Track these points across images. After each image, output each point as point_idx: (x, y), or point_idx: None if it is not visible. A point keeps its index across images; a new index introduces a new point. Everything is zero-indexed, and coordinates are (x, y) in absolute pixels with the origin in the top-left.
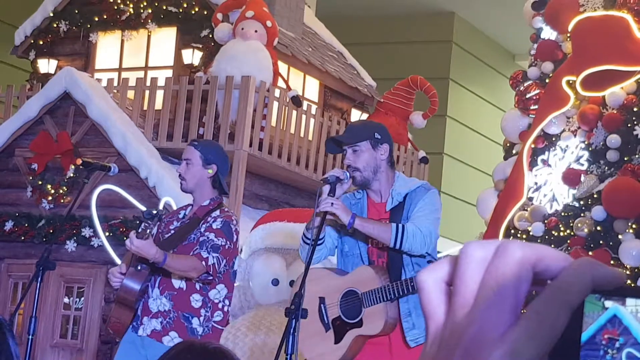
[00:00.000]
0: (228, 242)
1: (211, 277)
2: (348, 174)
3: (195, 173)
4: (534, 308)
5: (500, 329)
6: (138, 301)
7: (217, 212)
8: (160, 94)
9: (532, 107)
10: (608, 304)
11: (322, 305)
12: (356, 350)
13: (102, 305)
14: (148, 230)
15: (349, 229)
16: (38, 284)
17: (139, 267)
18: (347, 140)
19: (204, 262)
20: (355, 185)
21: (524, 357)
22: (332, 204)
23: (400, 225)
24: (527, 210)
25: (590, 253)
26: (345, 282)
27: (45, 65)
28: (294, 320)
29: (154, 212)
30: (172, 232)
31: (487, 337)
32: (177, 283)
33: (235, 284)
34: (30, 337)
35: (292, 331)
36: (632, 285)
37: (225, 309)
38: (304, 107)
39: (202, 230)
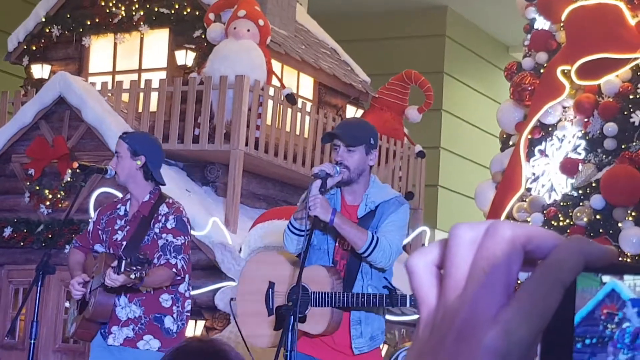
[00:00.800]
0: (186, 237)
1: (180, 278)
2: (338, 168)
3: (124, 165)
4: (526, 288)
5: (493, 310)
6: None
7: (165, 208)
8: (154, 96)
9: (527, 98)
10: (606, 278)
11: (270, 290)
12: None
13: None
14: (124, 262)
15: (330, 225)
16: (38, 289)
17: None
18: (347, 141)
19: (174, 269)
20: (340, 182)
21: (518, 337)
22: (310, 207)
23: (375, 236)
24: (525, 201)
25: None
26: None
27: (39, 70)
28: (292, 317)
29: (141, 256)
30: (120, 233)
31: (479, 318)
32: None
33: (235, 283)
34: (32, 341)
35: (290, 328)
36: (624, 261)
37: (189, 294)
38: (299, 105)
39: (157, 231)
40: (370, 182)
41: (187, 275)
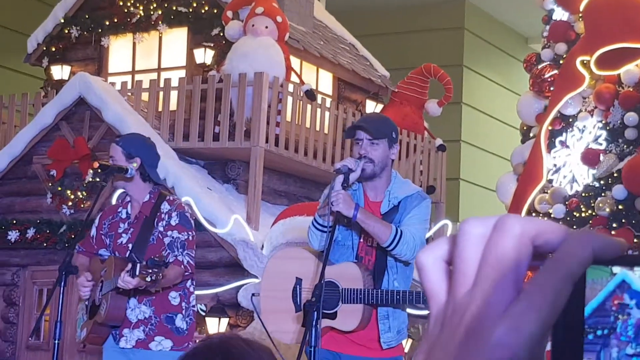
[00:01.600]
0: (190, 233)
1: (189, 274)
2: (360, 163)
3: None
4: (535, 282)
5: (503, 304)
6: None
7: (167, 206)
8: (174, 95)
9: (547, 89)
10: (616, 269)
11: (297, 286)
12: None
13: None
14: (138, 266)
15: (353, 221)
16: (62, 289)
17: (120, 290)
18: (372, 132)
19: (182, 267)
20: (363, 177)
21: (528, 331)
22: (332, 203)
23: (399, 229)
24: (547, 192)
25: (612, 232)
26: (327, 272)
27: (59, 71)
28: (315, 312)
29: (156, 259)
30: (124, 236)
31: (489, 313)
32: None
33: (258, 280)
34: (56, 342)
35: (314, 323)
36: (632, 253)
37: (194, 288)
38: (318, 101)
39: (162, 229)
40: (392, 178)
41: (192, 273)
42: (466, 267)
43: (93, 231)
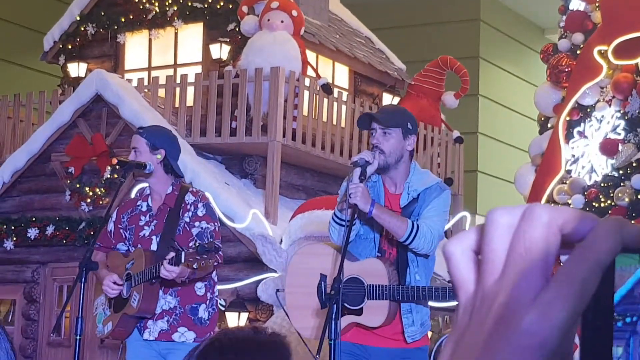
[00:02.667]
0: (217, 224)
1: (218, 264)
2: (377, 154)
3: (144, 160)
4: (564, 270)
5: (531, 293)
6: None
7: (191, 197)
8: (190, 91)
9: (564, 80)
10: None
11: (322, 282)
12: (344, 333)
13: None
14: (183, 254)
15: (369, 216)
16: (82, 285)
17: (153, 281)
18: (383, 121)
19: (216, 256)
20: (381, 171)
21: (557, 319)
22: (350, 195)
23: (415, 224)
24: (566, 183)
25: (632, 222)
26: (351, 268)
27: (75, 69)
28: (335, 305)
29: (206, 245)
30: (146, 228)
31: (518, 302)
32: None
33: (277, 274)
34: (78, 337)
35: (333, 317)
36: None
37: (217, 279)
38: (335, 95)
39: (188, 220)
40: (410, 169)
41: (220, 263)
42: (495, 256)
43: (110, 225)
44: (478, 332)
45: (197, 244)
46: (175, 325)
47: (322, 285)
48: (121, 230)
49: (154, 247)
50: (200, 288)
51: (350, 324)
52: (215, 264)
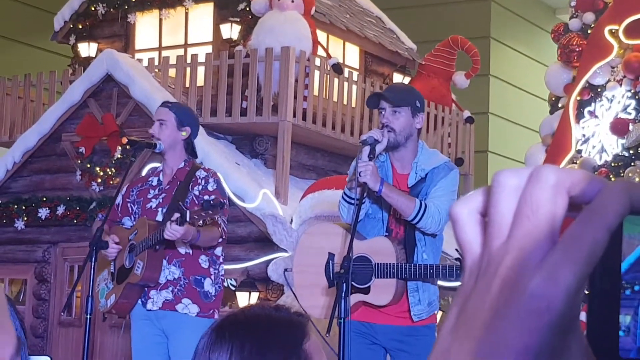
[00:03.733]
0: (226, 201)
1: (222, 240)
2: (386, 132)
3: (170, 134)
4: (570, 232)
5: (538, 256)
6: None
7: (203, 172)
8: (201, 71)
9: (575, 60)
10: None
11: (330, 261)
12: (352, 312)
13: None
14: (188, 212)
15: (378, 194)
16: (92, 264)
17: (157, 247)
18: (392, 100)
19: (219, 229)
20: (387, 147)
21: (563, 283)
22: (360, 174)
23: (423, 203)
24: (576, 162)
25: None
26: (359, 247)
27: (86, 49)
28: (344, 284)
29: (212, 201)
30: (154, 201)
31: (524, 265)
32: (182, 249)
33: (287, 254)
34: (88, 316)
35: (343, 295)
36: None
37: (223, 258)
38: (345, 74)
39: (197, 193)
40: (418, 149)
41: (225, 240)
42: (501, 218)
43: (119, 199)
44: (484, 296)
45: (202, 202)
46: (179, 296)
47: (330, 264)
48: (129, 204)
49: (159, 218)
50: (204, 261)
51: (357, 303)
52: (220, 239)
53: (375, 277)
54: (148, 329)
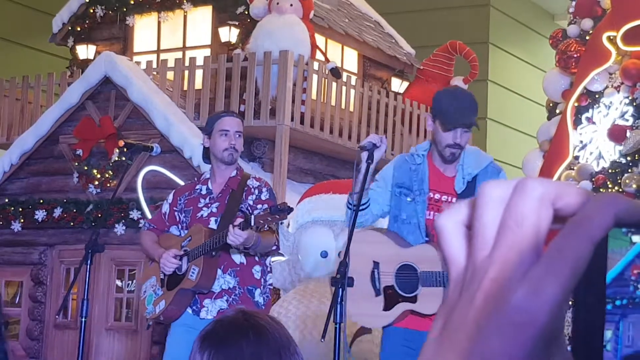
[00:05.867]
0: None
1: (275, 248)
2: (384, 138)
3: (241, 146)
4: (555, 245)
5: (522, 268)
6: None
7: (255, 182)
8: (199, 74)
9: (573, 66)
10: (636, 238)
11: (375, 270)
12: (400, 321)
13: None
14: (252, 217)
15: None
16: (88, 267)
17: (213, 254)
18: (474, 123)
19: (275, 236)
20: (449, 162)
21: (547, 295)
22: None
23: None
24: (573, 169)
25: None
26: (403, 255)
27: (84, 51)
28: (340, 289)
29: (279, 206)
30: (205, 210)
31: (509, 277)
32: (237, 259)
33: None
34: (83, 319)
35: (339, 300)
36: None
37: (271, 268)
38: (344, 79)
39: (251, 202)
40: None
41: (278, 248)
42: (486, 230)
43: (165, 208)
44: (468, 308)
45: (270, 207)
46: (234, 305)
47: (376, 272)
48: (176, 213)
49: (212, 227)
50: (257, 271)
51: (405, 312)
52: (274, 247)
53: (421, 286)
54: (189, 337)
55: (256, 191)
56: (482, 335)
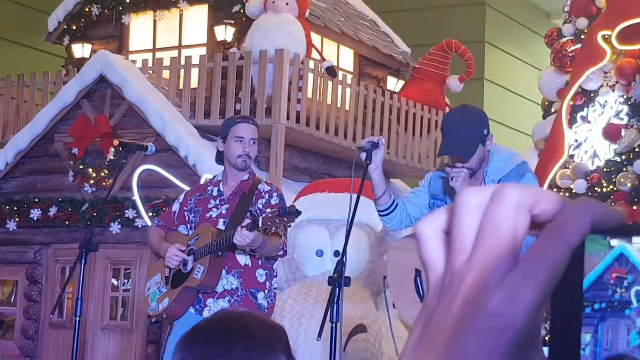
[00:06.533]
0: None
1: (282, 252)
2: (383, 139)
3: (255, 152)
4: (532, 251)
5: (499, 274)
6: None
7: (266, 187)
8: (195, 72)
9: (568, 64)
10: (614, 242)
11: (417, 277)
12: None
13: None
14: (260, 219)
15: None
16: (82, 266)
17: (219, 254)
18: (467, 156)
19: (281, 240)
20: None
21: (525, 301)
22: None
23: None
24: (568, 167)
25: (634, 207)
26: None
27: (80, 49)
28: (337, 288)
29: (288, 209)
30: (214, 210)
31: (486, 283)
32: (242, 260)
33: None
34: (77, 318)
35: (336, 299)
36: (632, 223)
37: (277, 272)
38: (339, 77)
39: (260, 206)
40: (490, 155)
41: (285, 253)
42: (463, 237)
43: (175, 207)
44: (446, 314)
45: (279, 208)
46: (236, 306)
47: (418, 280)
48: (186, 213)
49: (220, 228)
50: (261, 275)
51: None
52: (280, 252)
53: None
54: None
55: (266, 195)
56: (459, 339)
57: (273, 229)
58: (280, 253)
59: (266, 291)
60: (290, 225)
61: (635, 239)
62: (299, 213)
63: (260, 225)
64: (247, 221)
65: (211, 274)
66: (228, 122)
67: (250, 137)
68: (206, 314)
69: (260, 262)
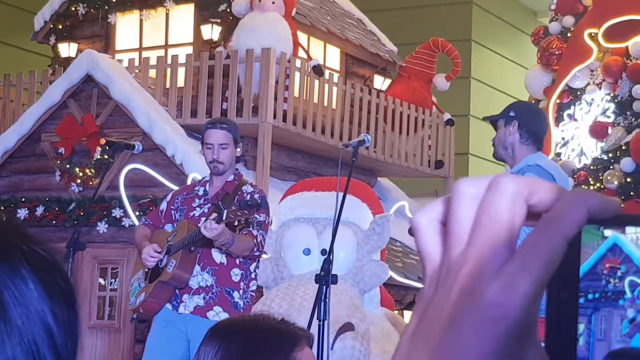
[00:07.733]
0: (268, 217)
1: (258, 253)
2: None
3: (230, 155)
4: (528, 241)
5: (496, 264)
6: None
7: (250, 188)
8: (181, 71)
9: (555, 63)
10: (607, 232)
11: None
12: None
13: None
14: (225, 212)
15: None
16: (69, 265)
17: (192, 249)
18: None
19: (254, 240)
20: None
21: (521, 291)
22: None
23: None
24: None
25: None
26: None
27: (66, 49)
28: (324, 286)
29: (249, 202)
30: (198, 210)
31: (483, 273)
32: (218, 258)
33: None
34: None
35: (323, 297)
36: (629, 213)
37: (255, 275)
38: (326, 76)
39: None
40: (522, 159)
41: (261, 254)
42: (460, 227)
43: (163, 205)
44: (443, 304)
45: (240, 202)
46: (211, 303)
47: None
48: (172, 211)
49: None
50: (236, 274)
51: None
52: (256, 252)
53: None
54: (169, 332)
55: (248, 196)
56: (455, 329)
57: (236, 222)
58: (257, 253)
59: (241, 291)
60: (271, 222)
61: (629, 228)
62: (259, 206)
63: (224, 218)
64: (214, 215)
65: (182, 268)
66: (203, 128)
67: (220, 143)
68: (182, 309)
69: (237, 262)
